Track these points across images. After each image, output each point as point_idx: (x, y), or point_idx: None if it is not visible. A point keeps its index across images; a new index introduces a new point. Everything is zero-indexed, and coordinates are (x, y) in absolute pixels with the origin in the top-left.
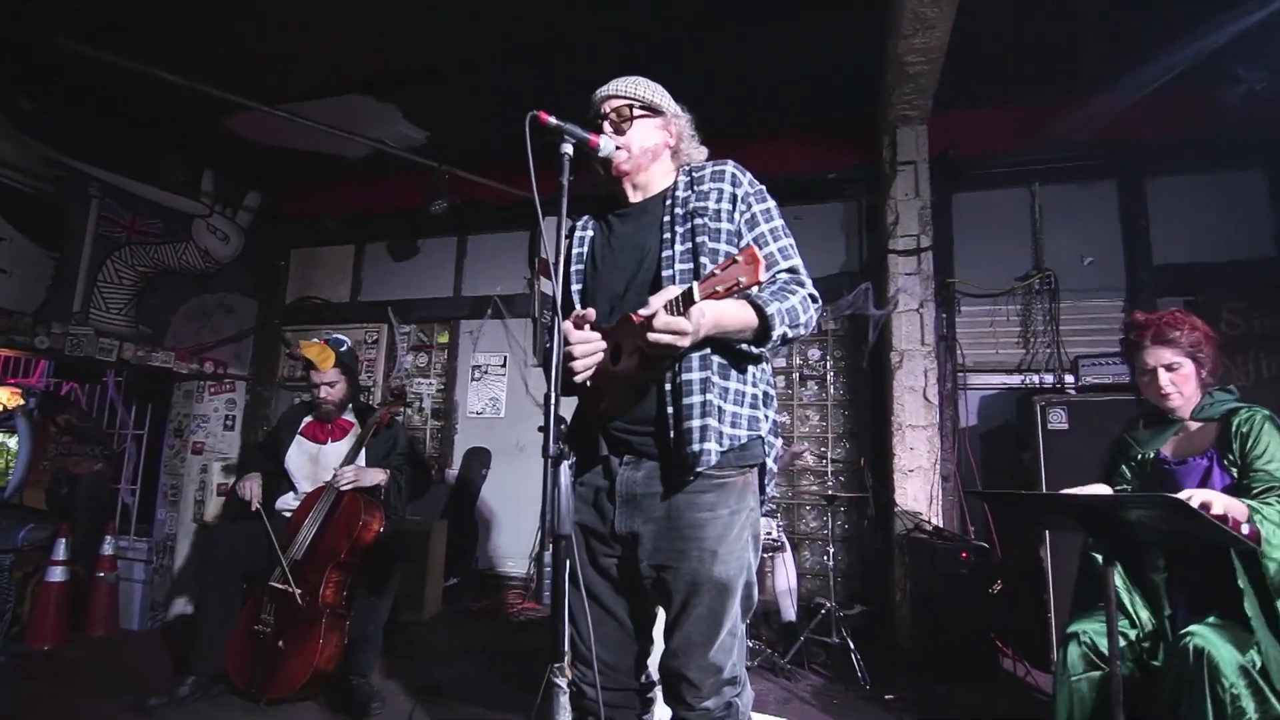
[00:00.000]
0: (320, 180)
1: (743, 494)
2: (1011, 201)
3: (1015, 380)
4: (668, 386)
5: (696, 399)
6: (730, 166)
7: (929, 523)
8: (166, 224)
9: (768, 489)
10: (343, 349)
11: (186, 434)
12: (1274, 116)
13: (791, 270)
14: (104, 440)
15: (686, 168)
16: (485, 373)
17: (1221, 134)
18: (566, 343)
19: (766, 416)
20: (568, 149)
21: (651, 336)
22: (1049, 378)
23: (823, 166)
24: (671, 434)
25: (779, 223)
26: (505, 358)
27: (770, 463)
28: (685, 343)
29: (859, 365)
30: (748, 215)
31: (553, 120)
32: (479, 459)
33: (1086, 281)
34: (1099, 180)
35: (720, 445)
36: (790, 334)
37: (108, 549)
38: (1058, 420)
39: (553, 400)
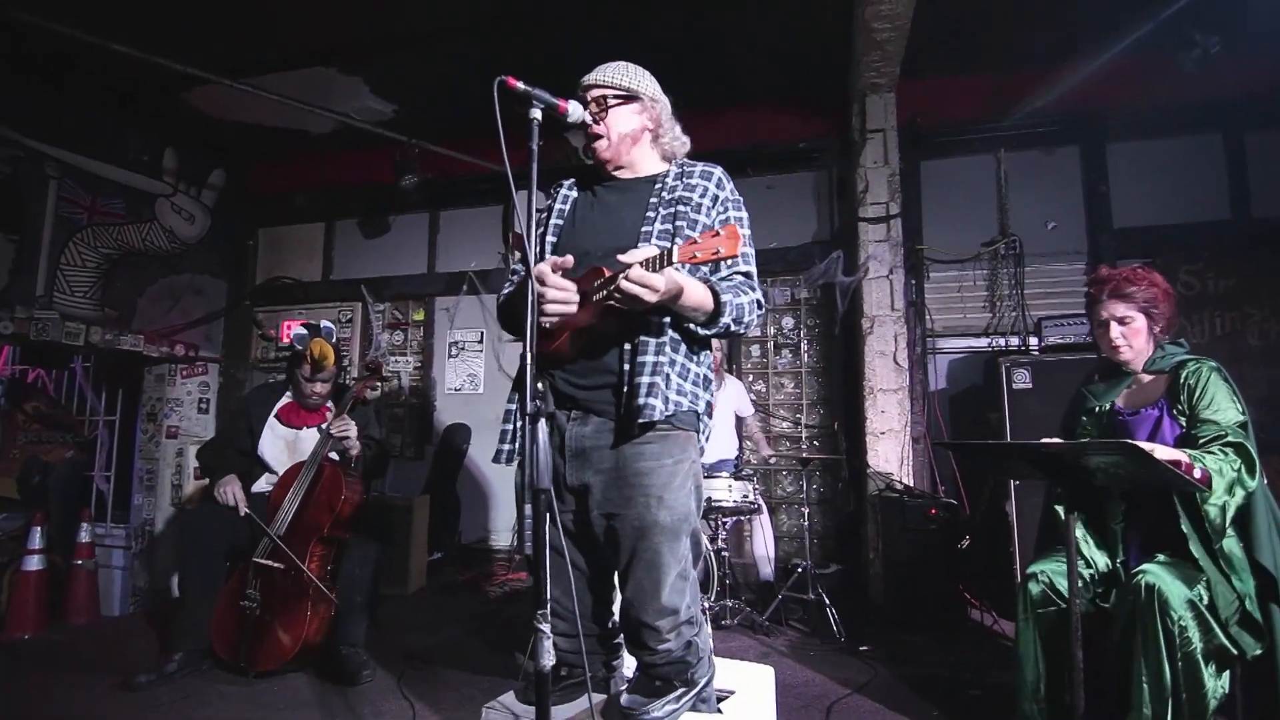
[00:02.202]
0: (287, 157)
1: (685, 446)
2: (977, 168)
3: (982, 343)
4: (626, 346)
5: (650, 359)
6: (719, 172)
7: (900, 483)
8: (129, 204)
9: (701, 455)
10: (333, 339)
11: (160, 418)
12: (1229, 81)
13: (747, 275)
14: (74, 427)
15: (679, 162)
16: (462, 349)
17: (1179, 99)
18: (541, 283)
19: (703, 398)
20: (536, 114)
21: (624, 284)
22: (1014, 340)
23: (794, 135)
24: (625, 388)
25: (748, 232)
26: (482, 333)
27: (701, 439)
28: (653, 299)
29: (831, 332)
30: (723, 216)
31: (520, 85)
32: (459, 435)
33: (1050, 245)
34: (1061, 146)
35: (665, 407)
36: (734, 328)
37: (85, 536)
38: (1022, 380)
39: (529, 359)
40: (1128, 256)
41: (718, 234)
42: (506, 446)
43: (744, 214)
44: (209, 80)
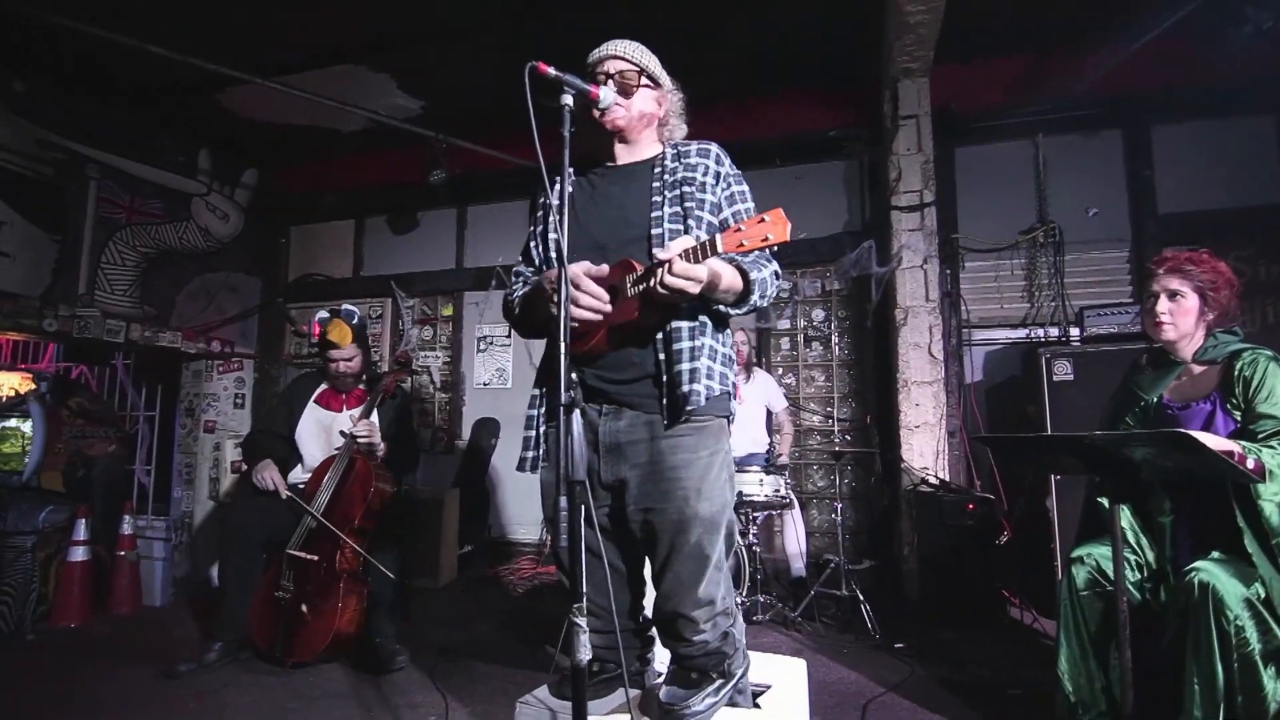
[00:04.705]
0: (317, 156)
1: (718, 436)
2: (1015, 154)
3: (1020, 334)
4: (659, 336)
5: (686, 344)
6: (715, 148)
7: (935, 477)
8: (166, 204)
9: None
10: (354, 321)
11: (198, 413)
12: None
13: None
14: (116, 422)
15: (673, 143)
16: (491, 344)
17: (1228, 79)
18: (576, 286)
19: (730, 378)
20: (568, 100)
21: (668, 279)
22: (1054, 331)
23: (823, 124)
24: (665, 377)
25: (752, 204)
26: (510, 328)
27: (729, 424)
28: (697, 290)
29: (863, 324)
30: (727, 193)
31: (552, 71)
32: (488, 429)
33: (1091, 233)
34: (1103, 130)
35: (707, 391)
36: (760, 304)
37: (127, 528)
38: (1063, 371)
39: (562, 350)
40: (1173, 243)
41: (763, 220)
42: (530, 454)
43: (745, 187)
44: (242, 80)
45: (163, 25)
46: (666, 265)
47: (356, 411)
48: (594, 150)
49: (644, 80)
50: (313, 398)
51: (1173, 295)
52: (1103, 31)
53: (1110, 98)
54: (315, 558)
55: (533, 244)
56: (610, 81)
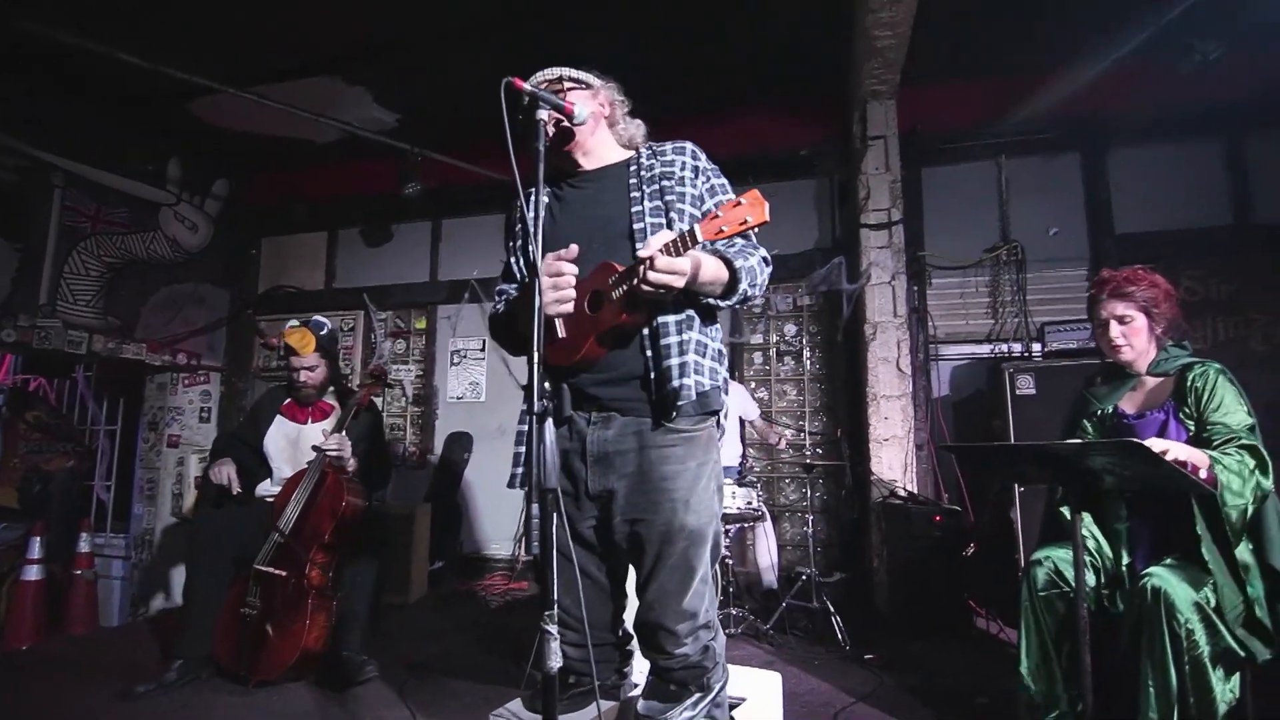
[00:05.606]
0: (289, 166)
1: (707, 447)
2: (979, 175)
3: (985, 350)
4: (645, 333)
5: (674, 339)
6: (690, 145)
7: (904, 489)
8: (133, 213)
9: (720, 442)
10: (323, 332)
11: (162, 427)
12: (1228, 86)
13: (745, 237)
14: (76, 436)
15: (649, 146)
16: (464, 357)
17: (1179, 106)
18: (558, 274)
19: (721, 372)
20: (543, 115)
21: (652, 276)
22: (1017, 346)
23: (795, 143)
24: (653, 375)
25: (734, 196)
26: (484, 341)
27: (722, 418)
28: (681, 283)
29: (833, 339)
30: (708, 185)
31: (527, 86)
32: (460, 443)
33: (1052, 252)
34: (1062, 153)
35: (696, 385)
36: (750, 293)
37: (84, 546)
38: (1025, 386)
39: (535, 357)
40: (1130, 262)
41: (739, 203)
42: (521, 470)
43: (724, 180)
44: (214, 89)
45: (133, 32)
46: (649, 261)
47: (328, 425)
48: (557, 165)
49: (569, 86)
50: (279, 409)
51: (1121, 319)
52: (1062, 60)
53: (1069, 122)
54: (284, 573)
55: (513, 260)
56: (543, 109)
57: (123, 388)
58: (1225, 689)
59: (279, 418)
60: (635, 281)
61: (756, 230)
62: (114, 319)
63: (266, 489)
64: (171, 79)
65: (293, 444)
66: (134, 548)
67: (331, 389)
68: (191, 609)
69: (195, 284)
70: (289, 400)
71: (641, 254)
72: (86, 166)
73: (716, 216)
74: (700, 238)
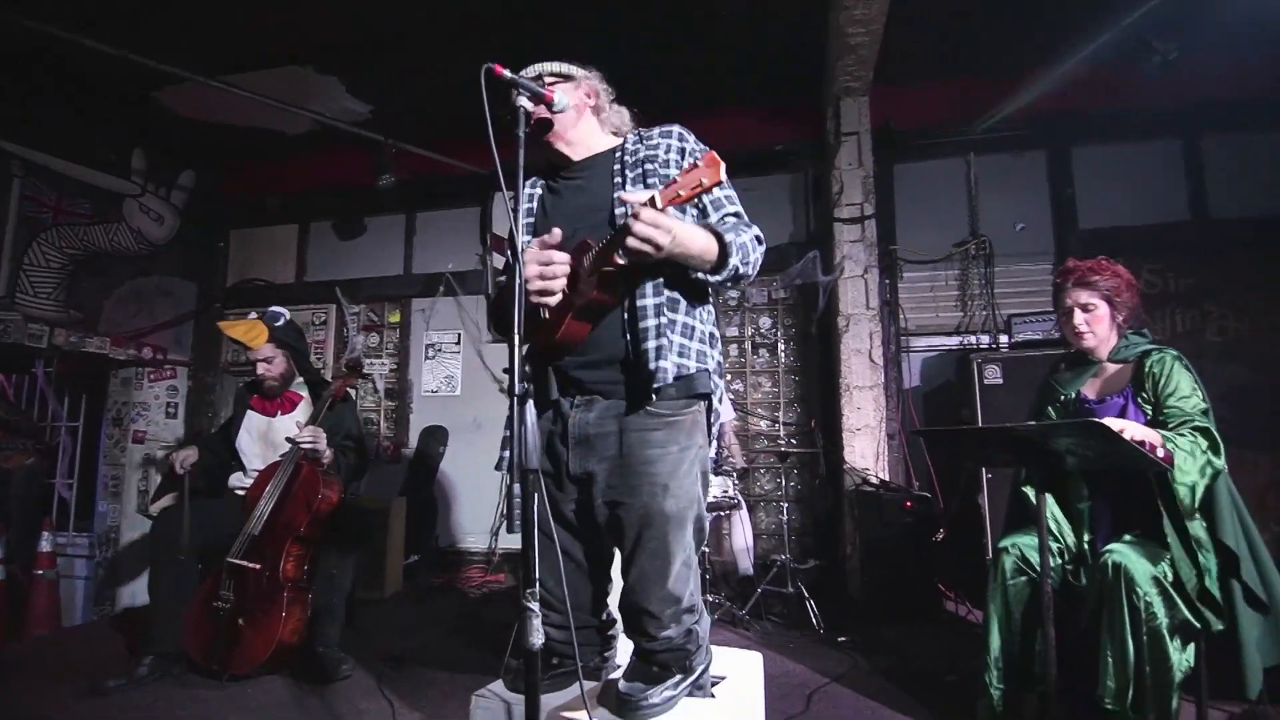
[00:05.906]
0: (259, 158)
1: (691, 431)
2: (949, 171)
3: (954, 341)
4: (624, 316)
5: (652, 322)
6: (678, 128)
7: (876, 477)
8: (95, 204)
9: (713, 430)
10: (278, 323)
11: (126, 423)
12: (1187, 87)
13: (737, 215)
14: (35, 433)
15: (636, 131)
16: (439, 350)
17: (1141, 105)
18: (547, 263)
19: (712, 355)
20: (524, 102)
21: (637, 227)
22: (985, 338)
23: (771, 139)
24: (631, 357)
25: (724, 177)
26: (459, 335)
27: (716, 401)
28: (666, 240)
29: (808, 332)
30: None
31: (507, 73)
32: (436, 437)
33: (1019, 246)
34: (1029, 150)
35: (674, 369)
36: (741, 269)
37: (45, 546)
38: (993, 376)
39: (517, 340)
40: (1093, 256)
41: (696, 165)
42: (509, 453)
43: None
44: (182, 78)
45: (99, 18)
46: (634, 215)
47: (301, 416)
48: (546, 157)
49: (550, 81)
50: (249, 405)
51: (1085, 307)
52: (1030, 60)
53: (1036, 121)
54: (258, 566)
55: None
56: (522, 96)
57: (85, 383)
58: (1182, 658)
59: (249, 412)
60: (615, 247)
61: (733, 208)
62: (76, 312)
63: (238, 480)
64: (137, 67)
65: (263, 438)
66: (98, 546)
67: (300, 380)
68: (159, 604)
69: (161, 277)
70: (255, 395)
71: (624, 197)
72: (48, 155)
73: (674, 182)
74: (660, 204)
